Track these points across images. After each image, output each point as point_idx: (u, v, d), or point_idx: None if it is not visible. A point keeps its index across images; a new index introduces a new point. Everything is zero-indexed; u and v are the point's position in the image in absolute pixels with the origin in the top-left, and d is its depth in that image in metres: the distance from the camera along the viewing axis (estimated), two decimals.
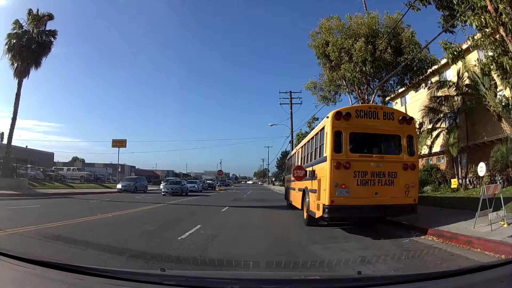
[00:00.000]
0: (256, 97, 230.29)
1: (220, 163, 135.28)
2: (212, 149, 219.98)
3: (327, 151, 7.95)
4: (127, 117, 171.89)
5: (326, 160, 7.94)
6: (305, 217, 10.03)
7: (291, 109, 38.57)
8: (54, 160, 57.43)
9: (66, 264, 2.01)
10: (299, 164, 12.64)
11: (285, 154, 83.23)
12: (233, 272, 3.95)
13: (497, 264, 2.14)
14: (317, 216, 8.47)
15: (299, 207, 11.51)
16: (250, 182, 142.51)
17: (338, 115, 8.07)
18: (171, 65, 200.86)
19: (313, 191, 8.97)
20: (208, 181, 51.41)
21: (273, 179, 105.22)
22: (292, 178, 14.19)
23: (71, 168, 40.50)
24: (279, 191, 42.89)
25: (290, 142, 39.46)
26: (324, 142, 8.24)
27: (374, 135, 8.58)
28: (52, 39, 28.70)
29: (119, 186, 29.22)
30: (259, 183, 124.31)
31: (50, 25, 28.11)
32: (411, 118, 8.72)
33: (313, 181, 9.08)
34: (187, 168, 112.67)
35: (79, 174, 39.05)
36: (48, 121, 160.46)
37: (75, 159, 71.85)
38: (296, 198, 12.72)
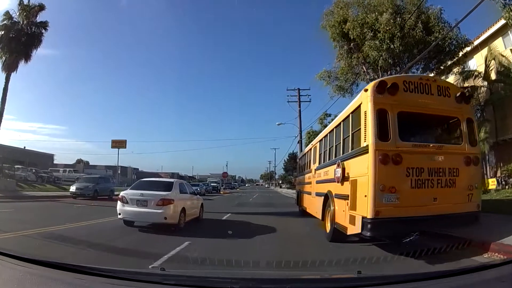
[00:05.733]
0: (262, 97, 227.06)
1: (226, 165, 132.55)
2: (218, 152, 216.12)
3: (369, 138, 5.47)
4: (132, 119, 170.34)
5: (366, 152, 5.46)
6: (327, 229, 7.59)
7: (299, 107, 36.13)
8: (57, 162, 56.21)
9: (66, 264, 1.95)
10: (316, 162, 10.14)
11: (292, 156, 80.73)
12: (233, 271, 3.90)
13: (497, 264, 2.13)
14: (350, 232, 5.97)
15: (318, 216, 9.01)
16: (257, 184, 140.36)
17: (381, 87, 5.66)
18: (176, 65, 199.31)
19: (342, 197, 6.50)
20: (212, 184, 48.88)
21: (280, 182, 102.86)
22: (307, 180, 11.73)
23: (67, 169, 38.55)
24: (287, 195, 40.46)
25: (298, 142, 36.99)
26: (362, 127, 5.76)
27: (427, 117, 6.29)
28: (43, 30, 26.76)
29: (72, 188, 21.06)
30: (266, 185, 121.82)
31: (42, 17, 26.14)
32: (470, 96, 6.54)
33: (341, 183, 6.59)
34: (193, 171, 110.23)
35: (74, 176, 36.94)
36: (53, 124, 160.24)
37: (79, 161, 71.01)
38: (313, 205, 10.20)
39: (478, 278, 1.92)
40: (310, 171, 11.07)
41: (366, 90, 5.84)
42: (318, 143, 10.07)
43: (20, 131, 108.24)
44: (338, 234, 6.75)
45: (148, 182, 9.83)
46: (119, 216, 8.55)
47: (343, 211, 6.35)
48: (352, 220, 5.75)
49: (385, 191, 5.21)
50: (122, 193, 8.88)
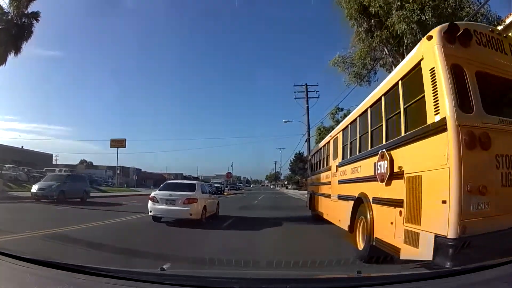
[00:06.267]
0: (268, 97, 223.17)
1: (231, 166, 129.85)
2: (224, 153, 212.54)
3: (444, 108, 3.43)
4: (137, 119, 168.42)
5: (442, 130, 3.43)
6: (359, 246, 5.63)
7: (307, 103, 34.44)
8: (60, 162, 54.95)
9: (66, 264, 1.95)
10: (339, 156, 8.10)
11: (298, 156, 78.42)
12: (233, 271, 3.87)
13: (497, 264, 2.06)
14: (406, 255, 3.93)
15: (342, 226, 6.98)
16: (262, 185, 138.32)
17: (451, 34, 3.73)
18: (180, 64, 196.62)
19: (389, 202, 4.48)
20: (216, 185, 46.89)
21: (286, 182, 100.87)
22: (325, 179, 9.63)
23: (63, 169, 36.84)
24: (294, 196, 38.37)
25: (306, 140, 35.00)
26: (427, 93, 3.74)
27: (504, 83, 4.23)
28: (34, 21, 25.11)
29: (34, 188, 17.10)
30: (271, 186, 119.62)
31: (33, 7, 24.45)
32: None
33: (387, 182, 4.57)
34: (198, 171, 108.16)
35: None
36: (58, 125, 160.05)
37: (82, 161, 70.19)
38: (334, 211, 8.13)
39: (478, 278, 1.87)
40: (329, 169, 9.04)
41: (429, 38, 3.81)
42: (341, 133, 8.01)
43: (25, 131, 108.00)
44: (375, 252, 4.77)
45: (174, 184, 11.53)
46: (150, 213, 9.86)
47: (391, 223, 4.32)
48: (413, 239, 3.72)
49: (474, 192, 3.20)
50: (152, 194, 10.21)
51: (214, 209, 11.84)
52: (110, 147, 40.94)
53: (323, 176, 9.84)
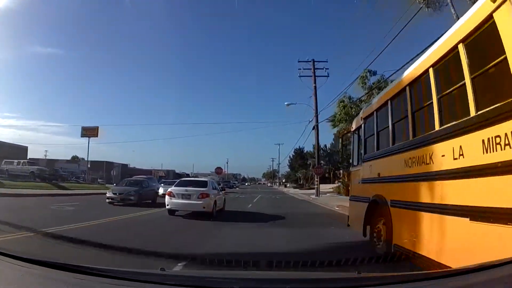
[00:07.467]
0: (269, 82, 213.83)
1: (227, 163, 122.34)
2: (219, 150, 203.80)
3: None
4: (136, 117, 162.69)
5: None
6: None
7: (315, 82, 28.96)
8: (48, 157, 50.95)
9: (66, 264, 1.91)
10: None
11: (298, 151, 72.23)
12: (233, 271, 3.83)
13: (497, 264, 1.95)
14: None
15: None
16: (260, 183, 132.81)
17: None
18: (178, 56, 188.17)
19: None
20: None
21: (284, 181, 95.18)
22: (493, 158, 2.67)
23: (21, 162, 31.34)
24: (297, 196, 32.25)
25: (314, 127, 29.16)
26: None
27: None
28: None
29: None
30: (269, 184, 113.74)
31: None
32: None
33: None
34: (194, 169, 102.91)
35: (28, 169, 29.86)
36: (56, 122, 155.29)
37: (75, 157, 68.53)
38: None
39: (478, 278, 1.82)
40: None
41: None
42: None
43: (23, 128, 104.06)
44: None
45: (188, 181, 13.86)
46: (167, 207, 11.55)
47: None
48: None
49: None
50: (169, 189, 12.05)
51: (222, 204, 13.21)
52: (81, 136, 35.04)
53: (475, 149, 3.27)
